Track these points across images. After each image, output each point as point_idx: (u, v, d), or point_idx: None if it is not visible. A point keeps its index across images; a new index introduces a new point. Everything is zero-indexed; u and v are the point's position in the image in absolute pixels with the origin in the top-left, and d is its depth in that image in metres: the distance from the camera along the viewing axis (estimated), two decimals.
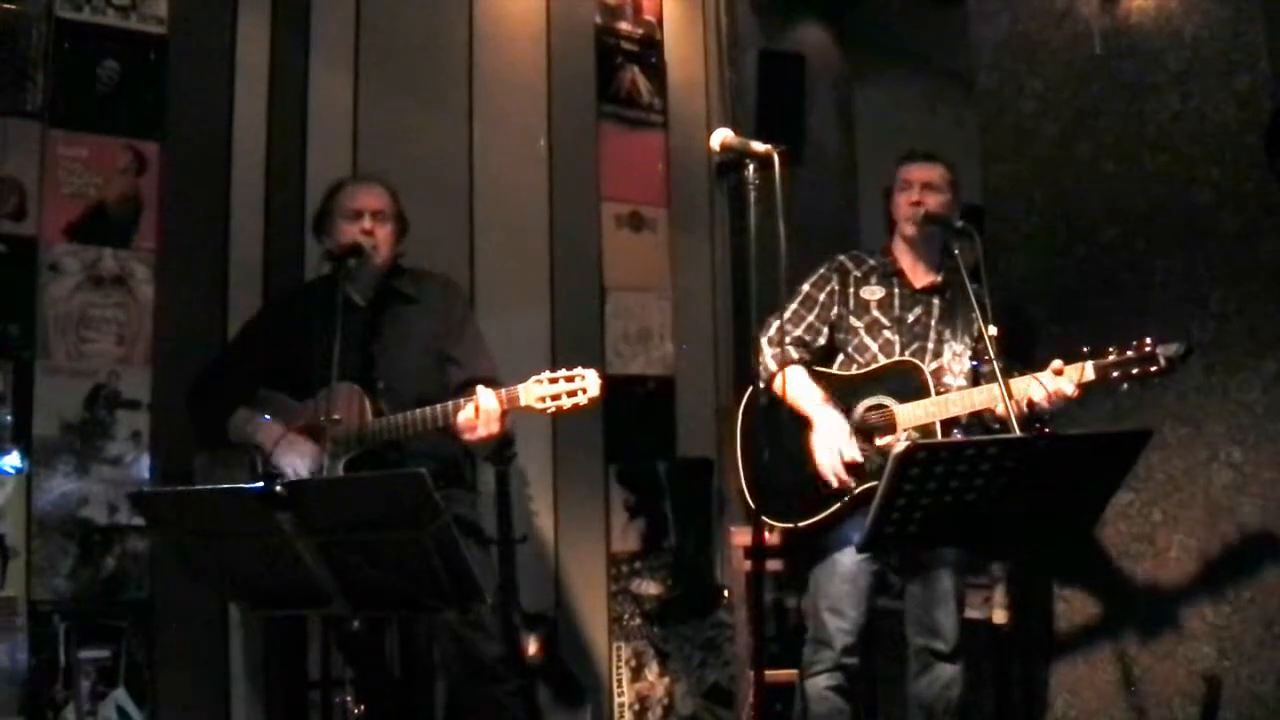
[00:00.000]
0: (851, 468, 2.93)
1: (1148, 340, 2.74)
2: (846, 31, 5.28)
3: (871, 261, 3.24)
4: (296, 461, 2.90)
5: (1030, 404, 2.81)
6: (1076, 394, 2.79)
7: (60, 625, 3.14)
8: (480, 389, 2.75)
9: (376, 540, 2.19)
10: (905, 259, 3.21)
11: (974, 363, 3.10)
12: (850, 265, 3.24)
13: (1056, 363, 2.80)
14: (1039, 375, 2.81)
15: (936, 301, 3.17)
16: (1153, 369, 2.73)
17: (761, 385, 2.99)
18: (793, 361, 3.13)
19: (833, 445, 2.95)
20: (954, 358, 3.09)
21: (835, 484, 2.95)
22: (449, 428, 2.80)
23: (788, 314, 3.14)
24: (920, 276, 3.20)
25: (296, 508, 2.15)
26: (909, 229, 3.15)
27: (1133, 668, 3.38)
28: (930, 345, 3.12)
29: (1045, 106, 3.72)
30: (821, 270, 3.24)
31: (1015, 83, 3.80)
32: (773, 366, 3.04)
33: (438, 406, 2.81)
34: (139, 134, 3.38)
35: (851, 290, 3.20)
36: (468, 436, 2.78)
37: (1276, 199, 3.17)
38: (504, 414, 2.76)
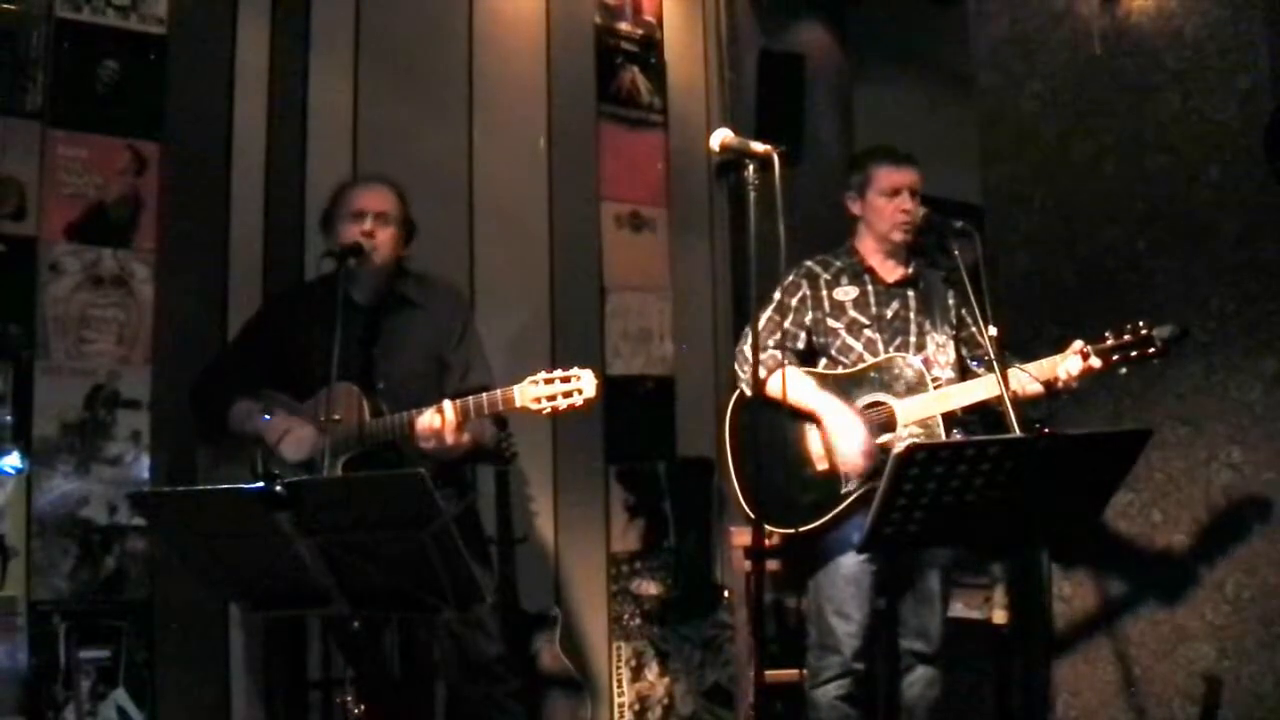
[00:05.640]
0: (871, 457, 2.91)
1: (1141, 324, 2.82)
2: (847, 31, 5.28)
3: (838, 263, 3.20)
4: (296, 450, 2.91)
5: (1051, 384, 2.86)
6: (1083, 371, 2.84)
7: (60, 625, 3.14)
8: (445, 402, 2.76)
9: (376, 540, 2.19)
10: (875, 257, 3.19)
11: (974, 362, 3.10)
12: (818, 269, 3.20)
13: (1078, 343, 2.85)
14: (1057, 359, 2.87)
15: (911, 294, 3.16)
16: (1150, 351, 2.81)
17: (750, 393, 2.93)
18: (781, 365, 3.05)
19: (852, 437, 2.93)
20: (938, 349, 3.09)
21: (861, 474, 2.91)
22: (411, 437, 2.81)
23: (762, 322, 2.97)
24: (890, 272, 3.18)
25: (296, 508, 2.15)
26: (899, 235, 3.12)
27: (1133, 668, 3.38)
28: (913, 338, 3.11)
29: (1045, 106, 3.72)
30: (790, 277, 3.15)
31: (1015, 83, 3.80)
32: (762, 372, 2.95)
33: (400, 414, 2.83)
34: (139, 134, 3.38)
35: (824, 294, 3.15)
36: (424, 445, 2.78)
37: (1276, 199, 3.17)
38: (460, 426, 2.76)
